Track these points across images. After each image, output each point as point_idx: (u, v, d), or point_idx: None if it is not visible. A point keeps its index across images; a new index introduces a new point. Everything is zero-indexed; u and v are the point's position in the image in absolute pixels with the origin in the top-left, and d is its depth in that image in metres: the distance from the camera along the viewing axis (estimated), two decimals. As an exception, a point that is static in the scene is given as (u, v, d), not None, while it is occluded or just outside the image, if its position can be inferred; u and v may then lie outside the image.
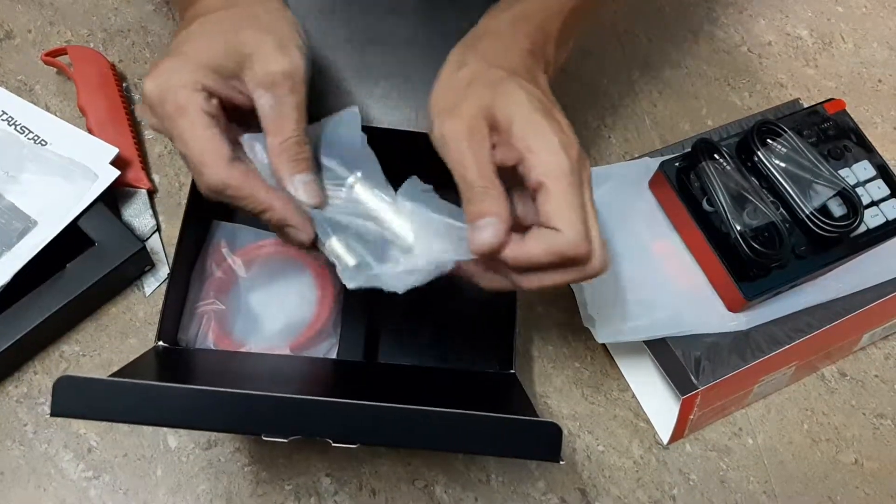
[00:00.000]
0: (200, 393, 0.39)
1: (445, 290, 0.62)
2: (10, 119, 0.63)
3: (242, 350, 0.58)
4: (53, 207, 0.59)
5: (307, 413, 0.40)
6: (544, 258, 0.42)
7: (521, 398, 0.52)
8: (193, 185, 0.52)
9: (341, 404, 0.40)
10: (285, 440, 0.41)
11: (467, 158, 0.42)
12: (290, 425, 0.40)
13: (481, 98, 0.43)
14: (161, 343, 0.55)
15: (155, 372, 0.52)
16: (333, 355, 0.59)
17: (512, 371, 0.58)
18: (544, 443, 0.40)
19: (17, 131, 0.62)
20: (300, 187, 0.43)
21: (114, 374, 0.43)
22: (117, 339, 0.61)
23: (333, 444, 0.41)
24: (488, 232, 0.41)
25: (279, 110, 0.43)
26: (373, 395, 0.40)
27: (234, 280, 0.60)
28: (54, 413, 0.39)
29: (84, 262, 0.58)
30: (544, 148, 0.42)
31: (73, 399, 0.39)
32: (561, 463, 0.43)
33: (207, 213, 0.61)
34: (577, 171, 0.42)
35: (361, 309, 0.60)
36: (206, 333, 0.58)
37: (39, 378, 0.59)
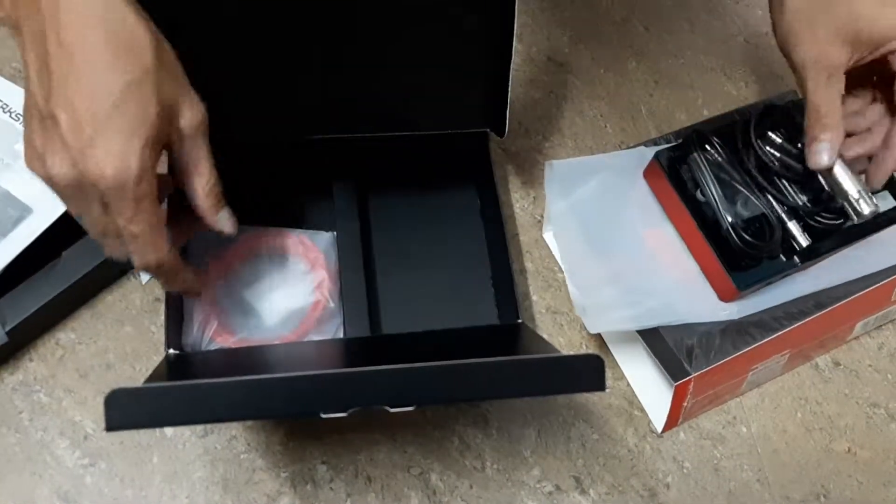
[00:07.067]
0: (254, 382, 0.39)
1: (437, 253, 0.63)
2: (4, 106, 0.63)
3: (249, 345, 0.58)
4: (48, 195, 0.58)
5: (363, 384, 0.40)
6: None
7: (540, 341, 0.53)
8: (170, 202, 0.51)
9: (395, 370, 0.40)
10: (345, 414, 0.40)
11: (819, 93, 0.51)
12: (348, 399, 0.40)
13: (838, 16, 0.48)
14: (171, 350, 0.55)
15: (177, 378, 0.51)
16: (340, 335, 0.59)
17: (519, 321, 0.58)
18: (589, 375, 0.42)
19: (12, 119, 0.62)
20: (225, 221, 0.47)
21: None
22: (113, 327, 0.61)
23: (391, 411, 0.41)
24: (824, 155, 0.53)
25: (199, 154, 0.44)
26: (402, 362, 0.41)
27: (223, 278, 0.60)
28: (111, 428, 0.38)
29: (80, 250, 0.58)
30: None
31: (128, 411, 0.39)
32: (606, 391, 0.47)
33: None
34: None
35: (360, 284, 0.60)
36: (207, 335, 0.58)
37: (35, 366, 0.59)
